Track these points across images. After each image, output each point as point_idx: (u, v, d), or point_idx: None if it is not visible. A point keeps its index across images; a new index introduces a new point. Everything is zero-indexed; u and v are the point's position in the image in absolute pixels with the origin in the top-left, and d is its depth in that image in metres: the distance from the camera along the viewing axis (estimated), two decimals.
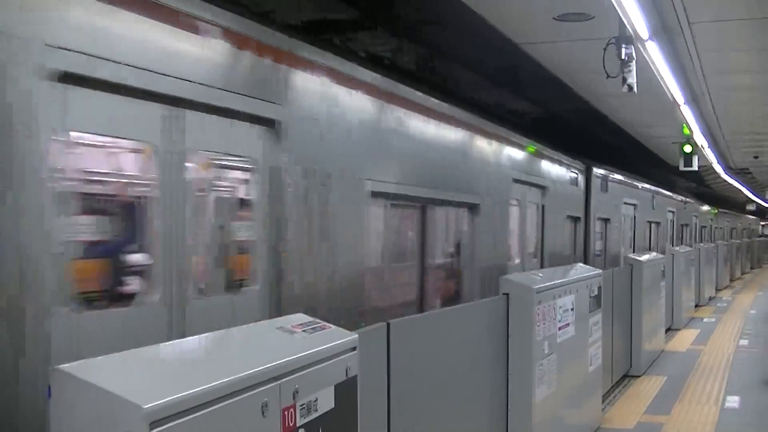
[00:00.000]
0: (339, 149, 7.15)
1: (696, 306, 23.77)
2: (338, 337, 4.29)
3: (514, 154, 12.06)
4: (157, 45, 5.01)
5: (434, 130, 9.31)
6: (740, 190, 38.85)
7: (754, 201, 50.88)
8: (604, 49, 9.36)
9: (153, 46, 4.97)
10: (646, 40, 9.36)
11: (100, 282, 4.88)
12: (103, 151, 4.94)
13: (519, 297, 7.50)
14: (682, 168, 19.55)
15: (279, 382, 3.52)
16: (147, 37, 4.92)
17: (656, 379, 13.39)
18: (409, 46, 11.97)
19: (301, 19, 9.89)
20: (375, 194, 7.77)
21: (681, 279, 19.68)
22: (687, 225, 31.60)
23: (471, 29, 10.44)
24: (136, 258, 5.08)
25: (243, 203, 6.12)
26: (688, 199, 32.07)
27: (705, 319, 21.87)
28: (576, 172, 15.47)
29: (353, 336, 4.35)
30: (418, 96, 8.87)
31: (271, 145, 6.08)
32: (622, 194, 19.24)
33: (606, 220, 17.59)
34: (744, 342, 17.68)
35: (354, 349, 4.31)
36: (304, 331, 4.22)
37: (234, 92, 5.64)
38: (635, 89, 9.56)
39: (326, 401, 3.93)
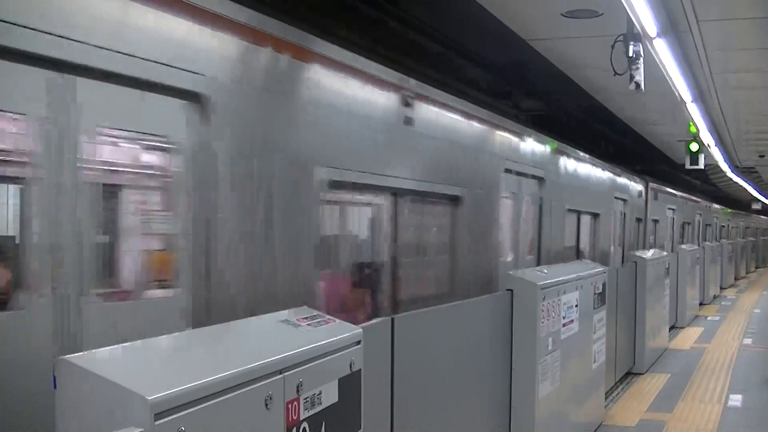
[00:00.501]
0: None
1: (700, 304, 23.79)
2: (343, 331, 4.30)
3: (622, 181, 17.96)
4: None
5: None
6: (746, 189, 38.81)
7: (759, 200, 50.88)
8: (612, 47, 9.34)
9: None
10: (654, 38, 9.32)
11: None
12: None
13: (523, 293, 7.51)
14: (688, 166, 19.50)
15: (283, 375, 3.53)
16: None
17: (659, 377, 13.40)
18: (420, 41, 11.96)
19: None
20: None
21: (686, 277, 19.69)
22: (709, 225, 35.82)
23: (478, 24, 10.42)
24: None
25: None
26: (710, 203, 36.22)
27: (709, 318, 21.89)
28: (640, 186, 20.01)
29: (357, 330, 4.36)
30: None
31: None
32: (666, 201, 23.45)
33: (656, 221, 21.69)
34: (748, 341, 17.69)
35: (358, 343, 4.31)
36: (308, 324, 4.23)
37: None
38: (643, 87, 9.53)
39: (330, 395, 3.94)
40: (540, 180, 11.35)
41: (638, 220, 19.86)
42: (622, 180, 17.96)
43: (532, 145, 11.20)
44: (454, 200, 8.37)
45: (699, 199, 32.01)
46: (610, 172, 16.58)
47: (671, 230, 24.65)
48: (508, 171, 9.88)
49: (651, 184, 21.36)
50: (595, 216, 14.86)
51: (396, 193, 7.46)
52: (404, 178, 7.44)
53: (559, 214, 12.24)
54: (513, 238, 10.38)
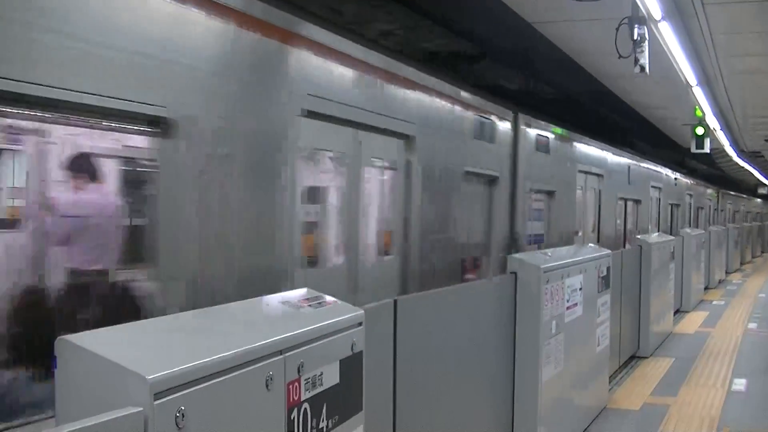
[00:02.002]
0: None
1: (706, 289, 23.77)
2: (344, 312, 4.30)
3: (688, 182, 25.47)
4: None
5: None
6: (752, 173, 38.78)
7: (765, 184, 50.82)
8: (617, 29, 9.33)
9: None
10: (659, 21, 9.32)
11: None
12: None
13: (527, 276, 7.50)
14: (693, 150, 19.48)
15: (284, 355, 3.53)
16: None
17: (664, 361, 13.40)
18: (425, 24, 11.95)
19: None
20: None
21: (691, 261, 19.67)
22: (723, 210, 41.04)
23: (484, 8, 10.41)
24: None
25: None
26: (724, 190, 41.11)
27: (714, 302, 21.87)
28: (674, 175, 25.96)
29: (359, 312, 4.36)
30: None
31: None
32: (685, 188, 28.92)
33: (677, 205, 26.98)
34: (753, 325, 17.68)
35: (360, 324, 4.31)
36: (309, 305, 4.24)
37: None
38: (647, 70, 9.52)
39: (331, 376, 3.94)
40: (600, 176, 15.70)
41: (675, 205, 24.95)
42: (657, 171, 22.63)
43: (597, 151, 16.66)
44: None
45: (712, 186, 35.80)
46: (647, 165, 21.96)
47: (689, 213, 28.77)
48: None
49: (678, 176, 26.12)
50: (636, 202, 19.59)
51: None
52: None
53: (613, 201, 17.01)
54: (582, 219, 14.47)
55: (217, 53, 5.49)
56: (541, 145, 13.04)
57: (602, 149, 17.12)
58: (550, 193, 13.76)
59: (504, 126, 11.34)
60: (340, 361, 4.05)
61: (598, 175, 16.75)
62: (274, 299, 4.33)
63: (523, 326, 7.50)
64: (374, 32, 12.03)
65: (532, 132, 12.49)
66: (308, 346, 3.74)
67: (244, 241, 5.74)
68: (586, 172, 15.93)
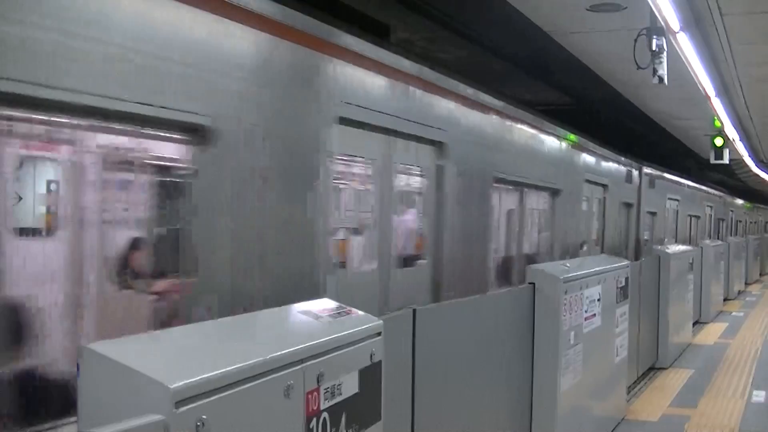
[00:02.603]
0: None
1: (725, 300, 23.68)
2: (363, 322, 4.32)
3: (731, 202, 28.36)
4: None
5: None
6: None
7: None
8: (635, 40, 9.34)
9: None
10: (677, 32, 9.33)
11: None
12: None
13: (545, 286, 7.51)
14: (713, 161, 19.42)
15: (303, 365, 3.56)
16: None
17: (683, 372, 13.37)
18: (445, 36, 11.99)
19: None
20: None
21: (710, 272, 19.60)
22: (755, 222, 45.66)
23: (503, 18, 10.43)
24: None
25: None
26: (758, 205, 45.46)
27: (733, 313, 21.79)
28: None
29: (378, 322, 4.38)
30: None
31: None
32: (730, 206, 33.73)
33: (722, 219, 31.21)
34: None
35: (379, 334, 4.34)
36: (329, 316, 4.26)
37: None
38: (666, 81, 9.53)
39: (350, 386, 3.97)
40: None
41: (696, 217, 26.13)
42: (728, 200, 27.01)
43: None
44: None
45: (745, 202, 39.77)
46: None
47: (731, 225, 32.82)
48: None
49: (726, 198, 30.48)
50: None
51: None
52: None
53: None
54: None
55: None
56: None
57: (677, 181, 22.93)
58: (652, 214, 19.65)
59: None
60: (359, 370, 4.07)
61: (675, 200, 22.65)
62: (294, 309, 4.35)
63: (541, 336, 7.51)
64: (394, 43, 12.07)
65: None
66: (327, 356, 3.77)
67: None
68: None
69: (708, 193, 29.26)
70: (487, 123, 9.47)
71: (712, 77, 12.49)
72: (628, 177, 17.48)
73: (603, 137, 15.73)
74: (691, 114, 17.57)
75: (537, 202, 11.71)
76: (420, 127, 7.68)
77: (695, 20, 9.47)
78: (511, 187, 10.71)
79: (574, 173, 13.19)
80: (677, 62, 10.61)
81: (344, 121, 6.45)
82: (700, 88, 13.13)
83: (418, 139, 7.78)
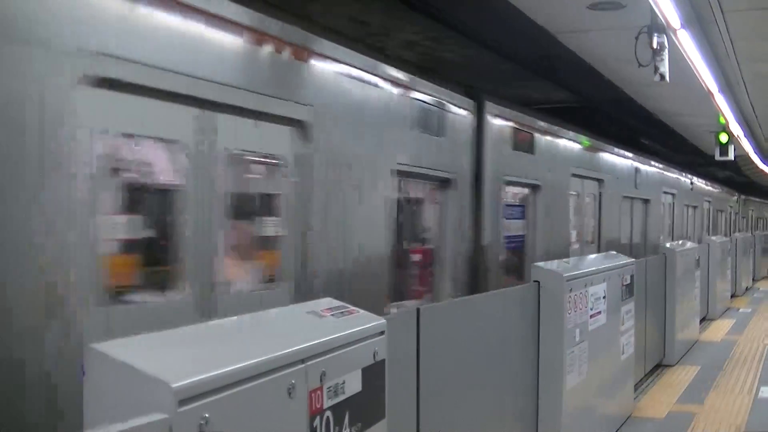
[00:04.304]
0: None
1: (732, 296, 23.66)
2: (366, 321, 4.35)
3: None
4: None
5: None
6: None
7: None
8: (636, 38, 9.37)
9: None
10: (678, 29, 9.35)
11: None
12: None
13: (550, 284, 7.54)
14: (718, 158, 19.45)
15: (306, 364, 3.59)
16: None
17: (690, 369, 13.37)
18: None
19: None
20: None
21: (716, 269, 19.59)
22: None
23: (506, 18, 10.47)
24: None
25: None
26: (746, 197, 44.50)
27: (741, 310, 21.76)
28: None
29: (381, 321, 4.41)
30: None
31: None
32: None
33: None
34: None
35: (382, 333, 4.36)
36: (332, 315, 4.29)
37: None
38: (667, 78, 9.55)
39: (354, 384, 3.99)
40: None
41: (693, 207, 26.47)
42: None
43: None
44: None
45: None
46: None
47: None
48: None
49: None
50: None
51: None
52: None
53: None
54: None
55: None
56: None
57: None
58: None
59: None
60: (363, 369, 4.10)
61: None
62: (298, 309, 4.38)
63: (546, 334, 7.53)
64: (399, 43, 12.14)
65: None
66: (330, 355, 3.80)
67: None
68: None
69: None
70: None
71: (715, 74, 12.50)
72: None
73: (606, 134, 15.78)
74: (695, 111, 17.59)
75: None
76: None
77: (696, 17, 9.49)
78: None
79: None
80: (679, 60, 10.63)
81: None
82: (703, 85, 13.14)
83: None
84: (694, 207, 26.91)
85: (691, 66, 11.48)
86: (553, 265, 8.13)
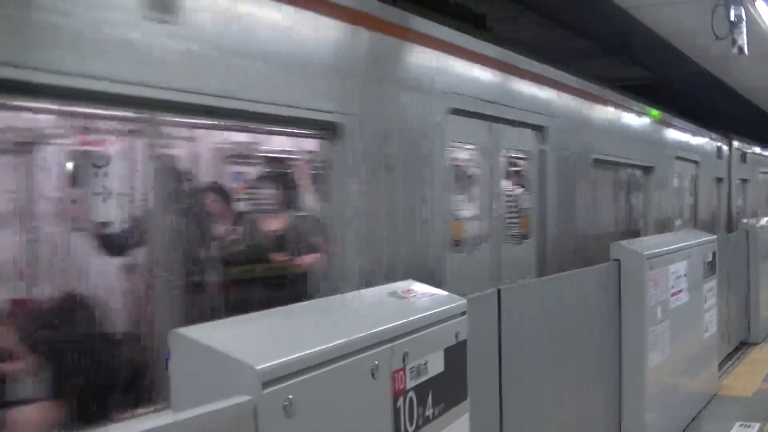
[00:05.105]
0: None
1: None
2: (448, 302, 4.34)
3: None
4: None
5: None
6: None
7: None
8: (713, 11, 9.20)
9: None
10: (756, 0, 9.18)
11: None
12: None
13: (630, 263, 7.47)
14: None
15: (389, 345, 3.59)
16: None
17: None
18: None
19: None
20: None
21: None
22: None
23: None
24: None
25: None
26: None
27: None
28: None
29: (462, 301, 4.40)
30: None
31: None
32: None
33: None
34: None
35: (464, 314, 4.35)
36: (414, 296, 4.29)
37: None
38: (746, 50, 9.37)
39: (436, 365, 3.99)
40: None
41: None
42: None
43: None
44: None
45: None
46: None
47: None
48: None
49: None
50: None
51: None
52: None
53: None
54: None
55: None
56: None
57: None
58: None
59: None
60: (445, 349, 4.09)
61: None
62: (380, 291, 4.39)
63: (627, 313, 7.46)
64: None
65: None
66: (412, 336, 3.80)
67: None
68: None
69: None
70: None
71: None
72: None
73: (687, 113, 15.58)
74: None
75: None
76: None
77: None
78: None
79: None
80: (758, 31, 10.43)
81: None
82: None
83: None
84: None
85: None
86: (633, 243, 8.04)
